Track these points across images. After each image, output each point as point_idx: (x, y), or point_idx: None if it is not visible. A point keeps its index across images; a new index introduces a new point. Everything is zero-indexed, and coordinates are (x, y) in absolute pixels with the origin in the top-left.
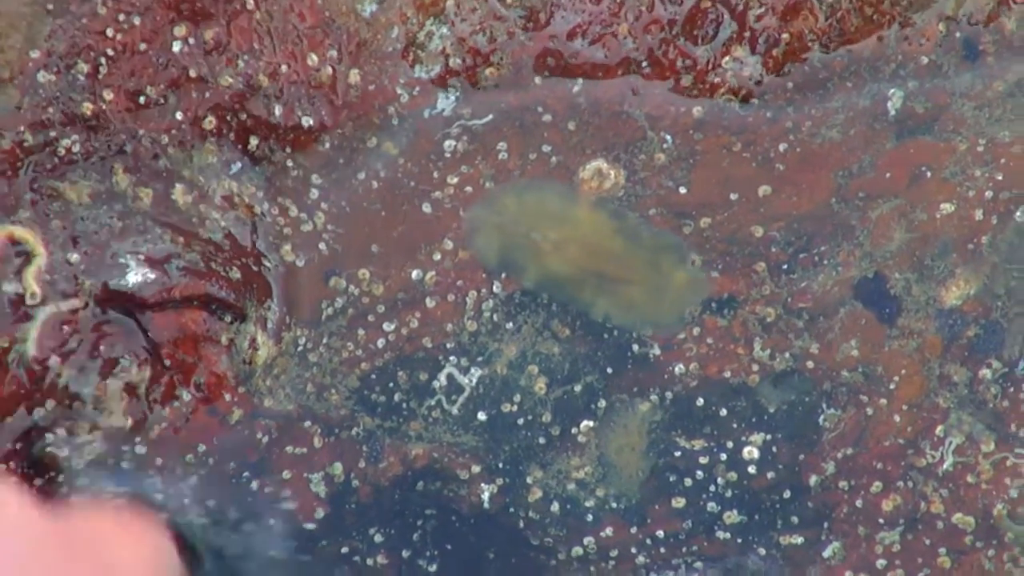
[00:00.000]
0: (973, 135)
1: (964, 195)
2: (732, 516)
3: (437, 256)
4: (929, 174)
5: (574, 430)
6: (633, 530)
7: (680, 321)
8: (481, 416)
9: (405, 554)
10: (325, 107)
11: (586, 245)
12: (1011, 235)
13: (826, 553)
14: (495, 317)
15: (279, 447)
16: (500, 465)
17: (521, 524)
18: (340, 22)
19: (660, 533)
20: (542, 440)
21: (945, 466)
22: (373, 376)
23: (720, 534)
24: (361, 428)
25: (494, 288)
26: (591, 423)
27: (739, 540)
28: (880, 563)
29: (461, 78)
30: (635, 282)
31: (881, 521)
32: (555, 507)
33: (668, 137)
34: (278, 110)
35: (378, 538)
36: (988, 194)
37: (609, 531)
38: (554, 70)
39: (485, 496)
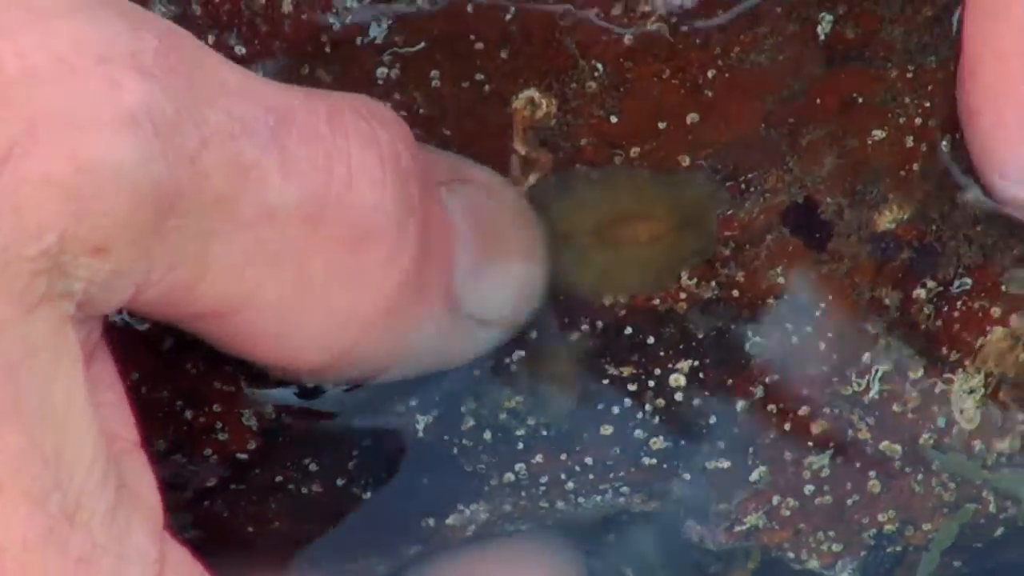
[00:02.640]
0: (903, 61)
1: (895, 122)
2: (658, 442)
3: None
4: (860, 100)
5: (506, 360)
6: (563, 456)
7: None
8: None
9: (340, 482)
10: (258, 36)
11: None
12: (941, 162)
13: (752, 477)
14: None
15: (207, 382)
16: (436, 398)
17: (455, 451)
18: None
19: (589, 460)
20: (476, 372)
21: (871, 394)
22: None
23: (646, 460)
24: None
25: None
26: (522, 352)
27: (664, 466)
28: (808, 488)
29: (393, 5)
30: None
31: (810, 444)
32: (487, 435)
33: (599, 66)
34: (211, 39)
35: (312, 467)
36: (918, 121)
37: (539, 458)
38: None
39: (420, 426)
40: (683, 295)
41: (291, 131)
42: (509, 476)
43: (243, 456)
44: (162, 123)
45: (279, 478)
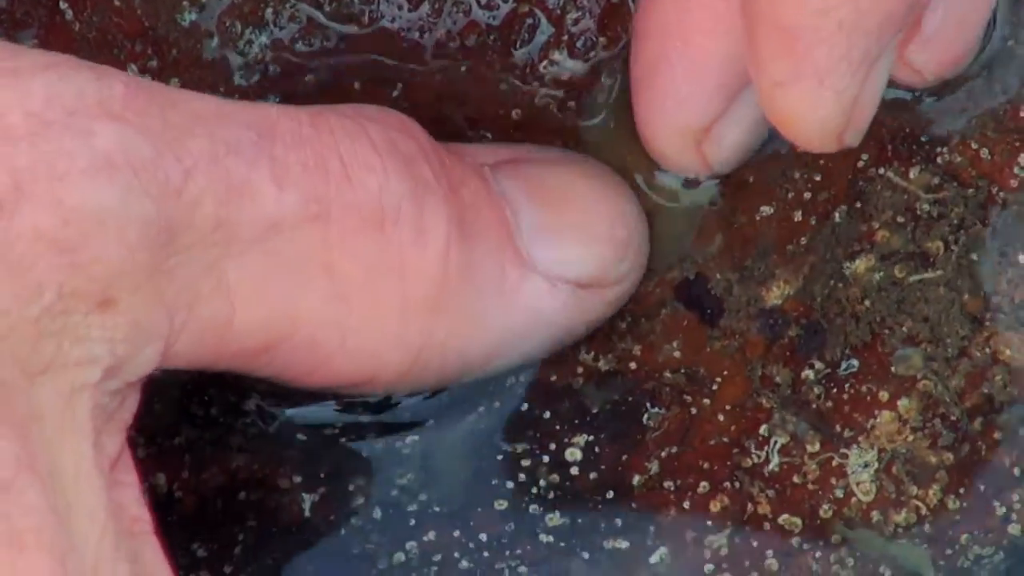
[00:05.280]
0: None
1: (783, 197)
2: (554, 519)
3: None
4: (751, 178)
5: (398, 444)
6: (456, 533)
7: None
8: (300, 436)
9: (227, 569)
10: None
11: None
12: (827, 235)
13: (653, 559)
14: None
15: None
16: (322, 475)
17: (342, 532)
18: (160, 31)
19: (483, 537)
20: (365, 453)
21: (771, 466)
22: (190, 387)
23: (543, 537)
24: (183, 438)
25: None
26: (416, 437)
27: (562, 544)
28: (708, 568)
29: (280, 85)
30: None
31: (709, 523)
32: (377, 513)
33: (488, 135)
34: None
35: (201, 553)
36: (807, 195)
37: (432, 535)
38: (373, 75)
39: (307, 505)
40: (580, 370)
41: (276, 141)
42: (399, 556)
43: None
44: (139, 162)
45: None
